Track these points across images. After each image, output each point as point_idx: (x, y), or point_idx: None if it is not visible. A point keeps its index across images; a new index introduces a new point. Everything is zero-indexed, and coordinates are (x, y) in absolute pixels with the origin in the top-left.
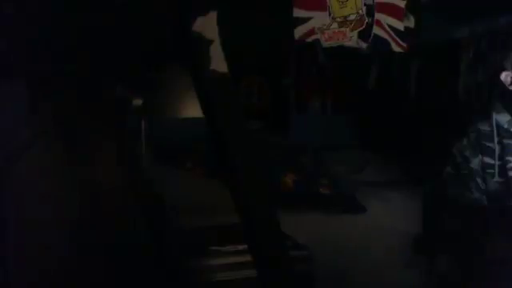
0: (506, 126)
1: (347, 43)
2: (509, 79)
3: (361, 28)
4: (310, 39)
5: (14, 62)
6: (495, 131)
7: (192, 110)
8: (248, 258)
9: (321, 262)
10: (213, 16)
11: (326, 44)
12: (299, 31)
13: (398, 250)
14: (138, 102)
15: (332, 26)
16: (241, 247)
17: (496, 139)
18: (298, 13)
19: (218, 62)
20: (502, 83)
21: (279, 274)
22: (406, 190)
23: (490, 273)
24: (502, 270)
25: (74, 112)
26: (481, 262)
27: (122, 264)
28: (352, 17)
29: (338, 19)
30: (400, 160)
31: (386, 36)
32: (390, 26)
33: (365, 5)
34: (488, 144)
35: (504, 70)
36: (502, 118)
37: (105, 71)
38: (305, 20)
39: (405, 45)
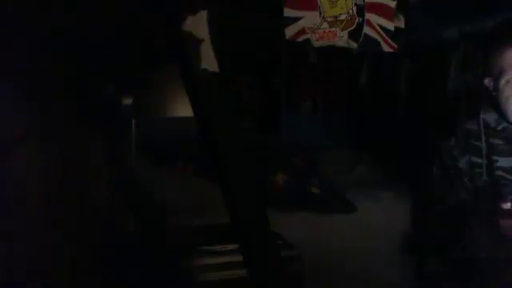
0: (493, 125)
1: (338, 43)
2: (491, 84)
3: (351, 28)
4: (300, 39)
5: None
6: (482, 130)
7: (182, 109)
8: (238, 257)
9: (311, 262)
10: (203, 15)
11: (316, 44)
12: (290, 31)
13: (388, 249)
14: (128, 101)
15: (322, 26)
16: (230, 247)
17: (483, 138)
18: (288, 12)
19: (209, 61)
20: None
21: (269, 273)
22: (397, 189)
23: (478, 272)
24: (490, 270)
25: (63, 111)
26: (468, 262)
27: (110, 264)
28: (342, 16)
29: (329, 19)
30: (390, 160)
31: (376, 36)
32: (380, 26)
33: (355, 4)
34: (475, 143)
35: (487, 75)
36: (489, 117)
37: (94, 70)
38: (295, 19)
39: (395, 45)
